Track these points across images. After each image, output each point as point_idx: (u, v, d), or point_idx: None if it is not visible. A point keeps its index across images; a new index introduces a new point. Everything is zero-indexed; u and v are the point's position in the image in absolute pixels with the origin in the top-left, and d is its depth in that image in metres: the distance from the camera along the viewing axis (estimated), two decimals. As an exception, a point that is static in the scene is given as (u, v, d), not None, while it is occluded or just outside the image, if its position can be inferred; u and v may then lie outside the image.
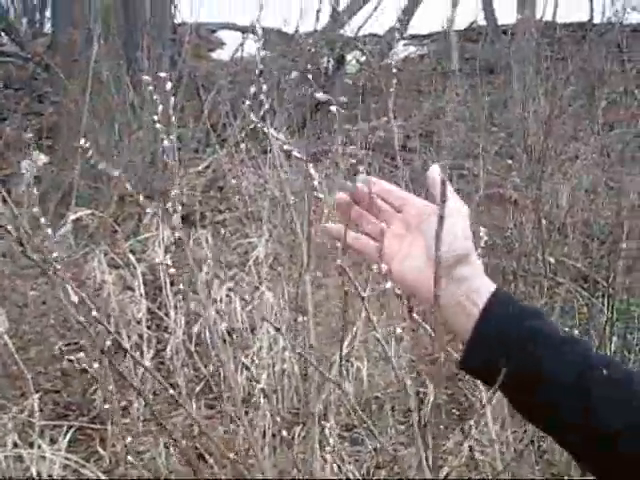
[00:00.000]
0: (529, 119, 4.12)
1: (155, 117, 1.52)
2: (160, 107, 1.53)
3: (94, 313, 1.18)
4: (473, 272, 0.83)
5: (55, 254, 1.28)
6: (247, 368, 1.54)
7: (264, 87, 1.26)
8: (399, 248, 0.88)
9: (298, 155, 1.29)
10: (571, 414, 0.76)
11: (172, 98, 1.71)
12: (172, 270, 1.43)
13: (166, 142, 1.49)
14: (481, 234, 1.53)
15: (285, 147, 1.37)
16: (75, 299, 1.38)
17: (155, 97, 1.61)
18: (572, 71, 4.61)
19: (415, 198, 0.90)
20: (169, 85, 1.69)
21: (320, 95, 1.17)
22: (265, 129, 1.28)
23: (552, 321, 0.83)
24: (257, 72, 1.30)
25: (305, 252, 1.30)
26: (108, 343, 1.39)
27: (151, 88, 1.76)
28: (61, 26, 5.54)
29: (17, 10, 9.20)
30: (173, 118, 1.59)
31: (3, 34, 7.94)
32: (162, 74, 1.69)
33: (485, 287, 0.83)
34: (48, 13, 9.08)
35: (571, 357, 0.78)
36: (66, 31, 5.25)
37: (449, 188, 0.83)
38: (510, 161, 4.79)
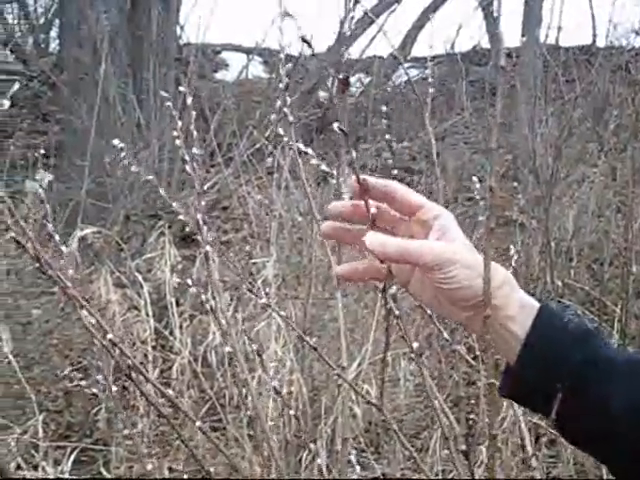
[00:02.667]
0: (536, 141, 4.11)
1: (175, 133, 1.51)
2: (179, 124, 1.52)
3: (109, 336, 1.15)
4: (504, 301, 0.79)
5: (71, 271, 1.25)
6: (277, 392, 1.50)
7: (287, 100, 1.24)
8: (411, 270, 0.82)
9: (326, 169, 1.27)
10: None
11: (193, 114, 1.70)
12: (193, 289, 1.41)
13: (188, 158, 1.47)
14: (511, 252, 1.50)
15: (313, 161, 1.34)
16: (90, 320, 1.35)
17: (174, 113, 1.59)
18: (579, 94, 4.61)
19: (426, 207, 0.82)
20: (189, 101, 1.68)
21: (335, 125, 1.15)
22: (290, 142, 1.26)
23: (604, 339, 0.80)
24: (282, 87, 1.29)
25: (334, 265, 1.27)
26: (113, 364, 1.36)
27: (163, 105, 1.75)
28: (67, 45, 5.55)
29: (23, 29, 9.24)
30: (177, 142, 1.58)
31: (9, 53, 7.97)
32: (164, 93, 1.68)
33: (522, 314, 0.79)
34: (53, 33, 9.13)
35: (630, 385, 0.75)
36: (72, 50, 5.26)
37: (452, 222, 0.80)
38: (516, 183, 4.77)
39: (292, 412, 2.09)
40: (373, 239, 0.78)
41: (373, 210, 0.79)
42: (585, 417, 0.75)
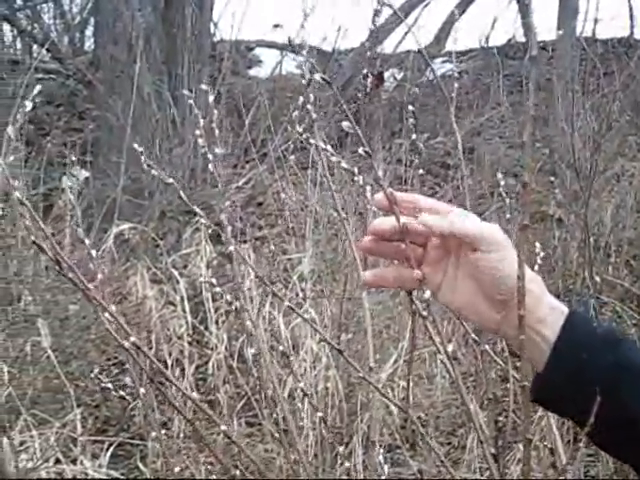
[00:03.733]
0: (574, 135, 4.04)
1: (197, 132, 1.51)
2: (201, 122, 1.52)
3: (132, 339, 1.15)
4: (534, 302, 0.78)
5: (100, 276, 1.23)
6: (305, 395, 1.49)
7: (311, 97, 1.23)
8: (442, 277, 0.82)
9: (346, 166, 1.25)
10: None
11: (215, 112, 1.70)
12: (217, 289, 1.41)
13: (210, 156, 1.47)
14: (537, 249, 1.47)
15: (333, 159, 1.33)
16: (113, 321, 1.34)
17: (196, 112, 1.60)
18: (618, 87, 4.53)
19: (455, 212, 0.82)
20: (211, 99, 1.68)
21: (345, 124, 1.14)
22: (311, 140, 1.25)
23: (633, 344, 0.78)
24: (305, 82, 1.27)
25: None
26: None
27: (191, 102, 1.75)
28: (103, 43, 5.60)
29: (58, 28, 9.34)
30: (200, 141, 1.58)
31: (45, 52, 8.06)
32: (203, 86, 1.69)
33: (552, 316, 0.78)
34: (89, 32, 9.21)
35: None
36: (108, 48, 5.30)
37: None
38: (553, 178, 4.71)
39: (320, 414, 2.08)
40: (426, 216, 0.80)
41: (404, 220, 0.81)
42: (615, 422, 0.73)
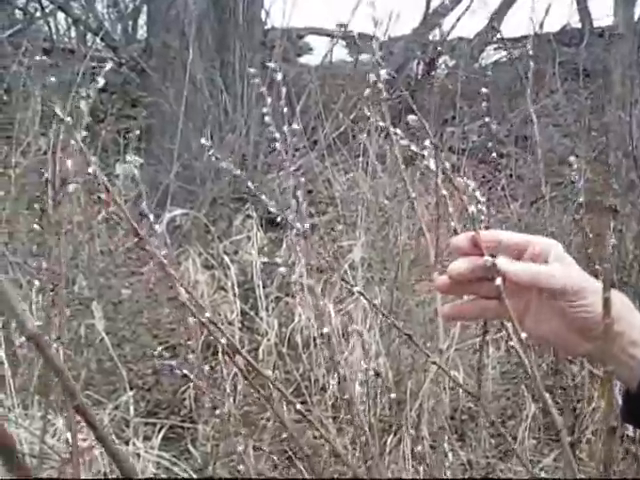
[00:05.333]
0: (631, 123, 3.95)
1: (265, 109, 1.51)
2: (269, 100, 1.52)
3: (207, 314, 1.16)
4: (627, 326, 0.77)
5: (165, 251, 1.26)
6: (377, 374, 1.49)
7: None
8: (524, 307, 0.81)
9: (417, 149, 1.24)
10: None
11: (268, 99, 1.70)
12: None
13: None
14: (611, 241, 1.44)
15: (402, 142, 1.31)
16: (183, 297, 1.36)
17: (252, 98, 1.60)
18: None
19: (533, 241, 0.80)
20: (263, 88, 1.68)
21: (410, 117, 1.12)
22: (380, 123, 1.24)
23: None
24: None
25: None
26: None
27: (258, 85, 1.75)
28: (155, 31, 5.64)
29: (112, 17, 9.46)
30: (267, 118, 1.59)
31: (99, 41, 8.17)
32: (252, 69, 1.69)
33: None
34: (141, 20, 9.31)
35: None
36: (160, 36, 5.34)
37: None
38: (609, 167, 4.61)
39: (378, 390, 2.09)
40: (505, 262, 0.78)
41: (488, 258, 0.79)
42: None
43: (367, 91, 1.24)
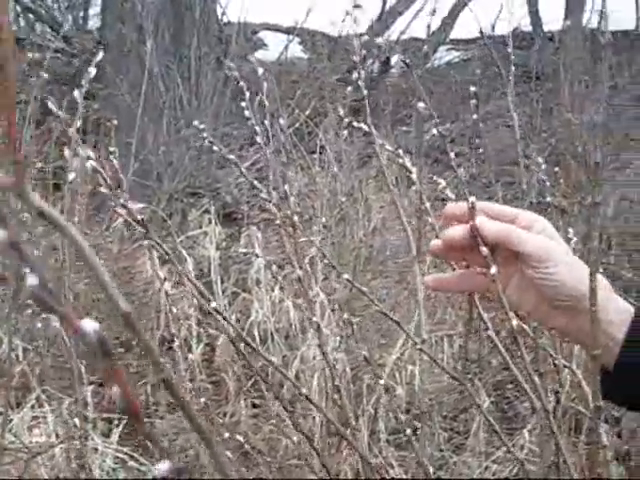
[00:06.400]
0: (580, 126, 4.06)
1: (243, 103, 1.53)
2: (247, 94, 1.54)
3: (213, 304, 1.17)
4: (603, 304, 0.80)
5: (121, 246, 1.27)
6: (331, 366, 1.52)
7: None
8: (507, 276, 0.84)
9: (391, 148, 1.28)
10: None
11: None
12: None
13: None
14: (570, 235, 1.49)
15: (379, 141, 1.35)
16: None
17: (208, 94, 1.62)
18: (625, 79, 4.54)
19: (522, 215, 0.85)
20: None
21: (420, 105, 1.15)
22: (362, 126, 1.27)
23: None
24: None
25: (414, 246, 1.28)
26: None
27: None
28: (110, 23, 5.58)
29: (61, 6, 9.30)
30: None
31: (49, 30, 8.03)
32: (231, 64, 1.71)
33: (620, 317, 0.80)
34: (92, 10, 9.17)
35: None
36: (116, 27, 5.29)
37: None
38: (558, 169, 4.73)
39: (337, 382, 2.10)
40: (482, 220, 0.82)
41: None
42: None
43: (355, 75, 1.26)
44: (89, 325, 0.37)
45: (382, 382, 2.95)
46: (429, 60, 7.68)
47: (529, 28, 8.30)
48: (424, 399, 3.07)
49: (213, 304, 1.18)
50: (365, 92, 1.31)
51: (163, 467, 0.40)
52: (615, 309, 0.81)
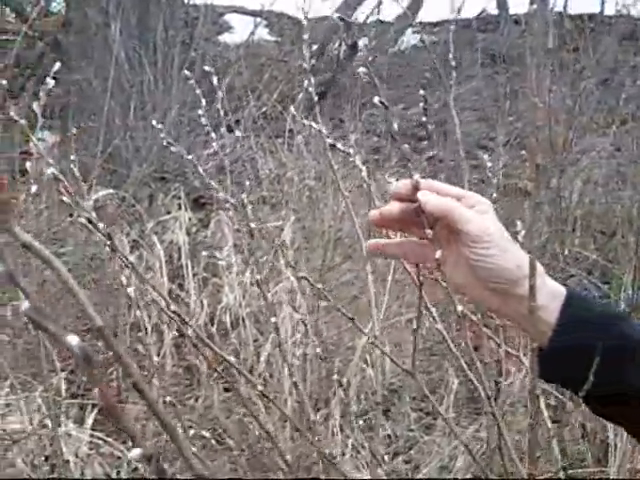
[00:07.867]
0: (546, 110, 4.11)
1: (197, 91, 1.53)
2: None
3: (173, 307, 1.19)
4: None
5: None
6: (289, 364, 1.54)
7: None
8: (447, 253, 0.85)
9: (343, 149, 1.30)
10: None
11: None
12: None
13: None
14: (518, 228, 1.52)
15: (328, 141, 1.37)
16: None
17: (173, 77, 1.63)
18: (588, 63, 4.61)
19: (467, 196, 0.85)
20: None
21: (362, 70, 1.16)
22: (305, 120, 1.29)
23: (632, 321, 0.83)
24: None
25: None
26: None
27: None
28: (75, 5, 5.50)
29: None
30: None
31: (9, 12, 7.87)
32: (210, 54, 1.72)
33: (554, 302, 0.82)
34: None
35: None
36: (81, 10, 5.22)
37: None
38: (524, 152, 4.79)
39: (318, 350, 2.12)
40: (424, 193, 0.82)
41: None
42: (612, 395, 0.79)
43: (305, 64, 1.27)
44: (73, 340, 0.40)
45: (352, 364, 3.00)
46: (396, 44, 7.70)
47: (495, 11, 8.36)
48: (393, 380, 3.12)
49: (173, 307, 1.18)
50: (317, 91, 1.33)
51: (135, 453, 0.42)
52: (548, 293, 0.82)
